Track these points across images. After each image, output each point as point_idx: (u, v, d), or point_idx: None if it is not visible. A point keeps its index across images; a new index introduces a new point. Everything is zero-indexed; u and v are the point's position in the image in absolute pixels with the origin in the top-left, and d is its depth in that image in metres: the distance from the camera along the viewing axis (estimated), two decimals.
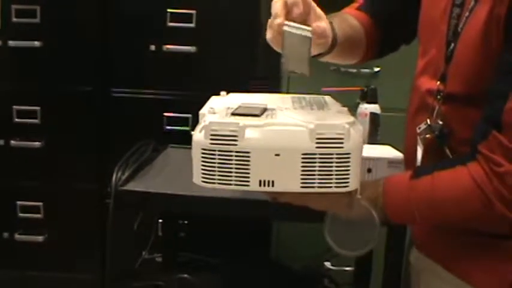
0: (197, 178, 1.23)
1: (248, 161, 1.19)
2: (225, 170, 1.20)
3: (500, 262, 1.30)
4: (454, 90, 1.31)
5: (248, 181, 1.20)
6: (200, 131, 1.21)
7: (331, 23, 1.35)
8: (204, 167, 1.21)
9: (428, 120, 1.35)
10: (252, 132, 1.19)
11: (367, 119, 1.98)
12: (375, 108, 1.99)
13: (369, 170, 1.59)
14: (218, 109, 1.30)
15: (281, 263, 2.21)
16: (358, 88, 2.01)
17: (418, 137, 1.36)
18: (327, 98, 1.48)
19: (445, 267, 1.38)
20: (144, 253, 2.13)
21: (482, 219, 1.24)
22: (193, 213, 2.28)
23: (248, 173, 1.20)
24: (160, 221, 2.38)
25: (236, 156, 1.19)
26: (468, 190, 1.22)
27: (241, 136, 1.19)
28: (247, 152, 1.19)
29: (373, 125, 1.98)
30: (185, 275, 1.97)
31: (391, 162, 1.64)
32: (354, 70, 2.61)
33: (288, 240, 2.75)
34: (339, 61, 1.56)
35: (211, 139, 1.19)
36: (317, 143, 1.19)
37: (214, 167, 1.20)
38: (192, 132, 1.24)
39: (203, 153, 1.20)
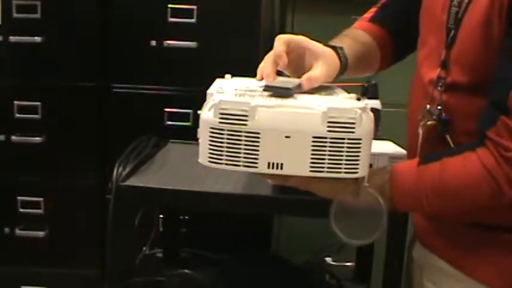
0: (204, 158, 1.21)
1: (258, 142, 1.18)
2: (233, 151, 1.18)
3: (502, 255, 1.30)
4: (455, 79, 1.31)
5: (257, 163, 1.19)
6: (209, 110, 1.19)
7: (341, 48, 1.42)
8: (211, 147, 1.19)
9: (428, 106, 1.34)
10: (263, 113, 1.17)
11: None
12: (375, 103, 1.98)
13: (370, 165, 1.58)
14: (226, 89, 1.28)
15: (282, 258, 2.21)
16: (359, 84, 2.00)
17: (419, 124, 1.36)
18: (334, 87, 1.48)
19: (448, 261, 1.38)
20: (144, 249, 2.12)
21: (491, 205, 1.24)
22: (194, 209, 2.28)
23: (257, 155, 1.18)
24: (161, 216, 2.38)
25: (246, 136, 1.17)
26: (478, 176, 1.22)
27: (251, 116, 1.17)
28: (257, 133, 1.17)
29: (374, 121, 1.98)
30: (186, 271, 1.97)
31: (392, 157, 1.64)
32: None
33: (289, 236, 2.75)
34: (355, 75, 1.56)
35: (221, 118, 1.17)
36: (328, 126, 1.18)
37: (222, 147, 1.18)
38: (199, 112, 1.22)
39: (211, 132, 1.18)
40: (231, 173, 1.32)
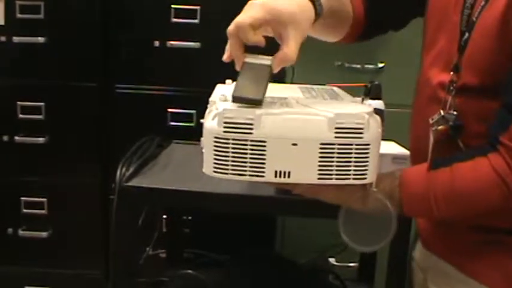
0: (208, 168, 1.18)
1: (264, 150, 1.14)
2: (239, 160, 1.15)
3: (508, 259, 1.29)
4: (467, 82, 1.28)
5: (263, 172, 1.16)
6: (213, 119, 1.16)
7: (318, 5, 1.30)
8: (216, 157, 1.16)
9: (441, 111, 1.31)
10: (269, 121, 1.15)
11: None
12: (379, 104, 1.98)
13: None
14: (229, 97, 1.25)
15: (286, 258, 2.21)
16: (362, 84, 2.00)
17: (430, 129, 1.33)
18: (336, 89, 1.46)
19: (453, 264, 1.37)
20: (148, 249, 2.13)
21: (502, 209, 1.22)
22: (197, 209, 2.28)
23: (264, 163, 1.15)
24: (164, 217, 2.38)
25: (251, 145, 1.14)
26: (489, 181, 1.20)
27: (257, 124, 1.14)
28: (263, 141, 1.14)
29: None
30: (189, 271, 1.97)
31: (395, 158, 1.64)
32: (358, 66, 2.60)
33: (292, 236, 2.74)
34: (320, 36, 1.51)
35: (225, 127, 1.14)
36: (336, 132, 1.15)
37: (227, 156, 1.15)
38: (202, 120, 1.20)
39: (216, 142, 1.15)
40: None
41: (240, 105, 1.19)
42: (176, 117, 2.62)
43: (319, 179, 1.17)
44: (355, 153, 1.16)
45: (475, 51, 1.27)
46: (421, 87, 1.43)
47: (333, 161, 1.16)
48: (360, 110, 1.19)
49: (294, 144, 1.15)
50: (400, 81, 2.18)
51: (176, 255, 2.25)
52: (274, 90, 1.33)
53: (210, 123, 1.16)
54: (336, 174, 1.17)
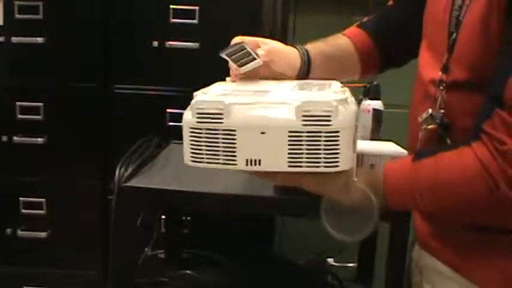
0: (187, 158, 1.24)
1: (234, 139, 1.19)
2: (212, 149, 1.21)
3: (501, 258, 1.29)
4: (456, 78, 1.30)
5: (235, 160, 1.20)
6: (188, 110, 1.22)
7: (301, 48, 1.52)
8: (192, 146, 1.22)
9: (430, 110, 1.33)
10: (238, 110, 1.19)
11: (370, 115, 1.98)
12: (377, 104, 1.98)
13: (372, 166, 1.58)
14: (212, 90, 1.30)
15: (284, 259, 2.21)
16: (362, 84, 2.00)
17: (420, 128, 1.35)
18: (334, 82, 1.47)
19: (447, 263, 1.37)
20: (147, 249, 2.12)
21: (487, 202, 1.21)
22: (196, 210, 2.28)
23: (235, 152, 1.20)
24: (163, 217, 2.38)
25: (223, 134, 1.19)
26: (473, 170, 1.19)
27: (226, 114, 1.19)
28: (233, 130, 1.19)
29: (376, 121, 1.98)
30: (188, 271, 1.97)
31: (394, 157, 1.64)
32: None
33: (291, 237, 2.75)
34: (336, 78, 1.56)
35: (198, 117, 1.20)
36: (303, 120, 1.17)
37: (201, 146, 1.21)
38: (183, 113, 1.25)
39: (191, 132, 1.21)
40: (233, 174, 1.33)
41: (212, 96, 1.26)
42: (175, 117, 2.61)
43: (289, 166, 1.19)
44: (325, 140, 1.17)
45: (462, 51, 1.29)
46: (416, 86, 1.45)
47: (302, 149, 1.18)
48: (329, 98, 1.20)
49: (263, 133, 1.18)
50: (399, 82, 2.18)
51: (175, 255, 2.25)
52: (269, 85, 1.36)
53: (186, 114, 1.23)
54: (306, 162, 1.19)
